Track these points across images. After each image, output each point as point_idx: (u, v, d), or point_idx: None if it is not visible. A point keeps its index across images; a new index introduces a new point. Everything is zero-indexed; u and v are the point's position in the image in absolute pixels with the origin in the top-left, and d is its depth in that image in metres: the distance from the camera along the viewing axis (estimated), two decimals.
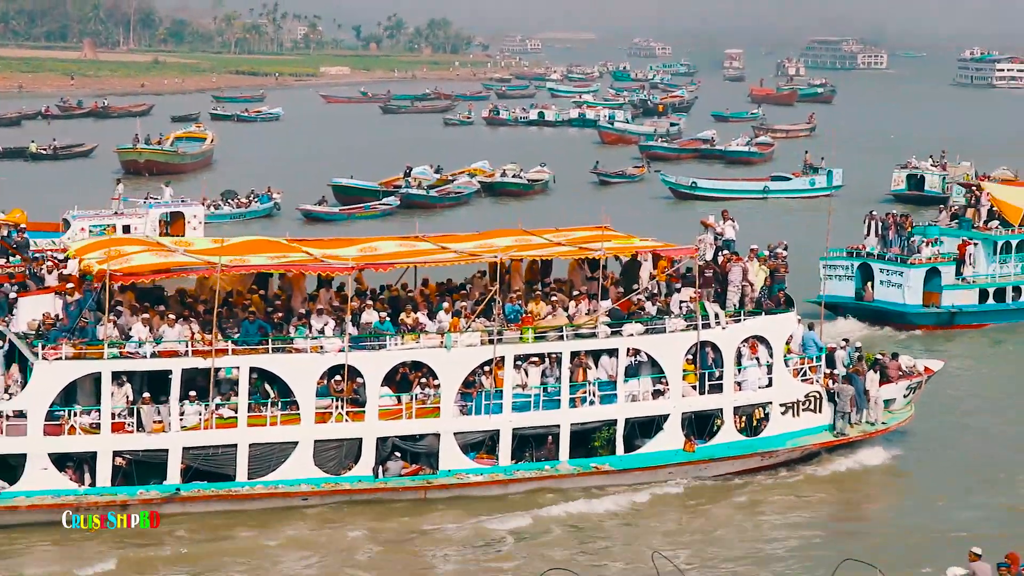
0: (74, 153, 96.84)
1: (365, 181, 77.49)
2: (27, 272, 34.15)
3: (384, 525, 29.20)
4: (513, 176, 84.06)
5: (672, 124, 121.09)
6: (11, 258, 38.60)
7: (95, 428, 28.18)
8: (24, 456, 27.73)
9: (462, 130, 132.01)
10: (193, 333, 29.13)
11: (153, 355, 28.65)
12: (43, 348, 27.94)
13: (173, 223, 46.38)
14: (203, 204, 68.08)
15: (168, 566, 27.10)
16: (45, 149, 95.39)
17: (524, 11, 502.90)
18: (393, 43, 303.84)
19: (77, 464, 28.24)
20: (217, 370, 28.82)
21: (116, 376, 28.30)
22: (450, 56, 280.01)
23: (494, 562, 27.82)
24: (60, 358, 28.01)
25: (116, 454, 28.30)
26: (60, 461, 28.09)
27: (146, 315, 29.37)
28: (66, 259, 31.79)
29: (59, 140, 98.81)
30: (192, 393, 28.72)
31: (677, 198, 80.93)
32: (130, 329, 29.04)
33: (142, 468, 28.55)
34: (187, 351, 28.76)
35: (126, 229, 42.63)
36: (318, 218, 70.07)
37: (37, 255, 33.30)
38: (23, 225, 41.35)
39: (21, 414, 27.73)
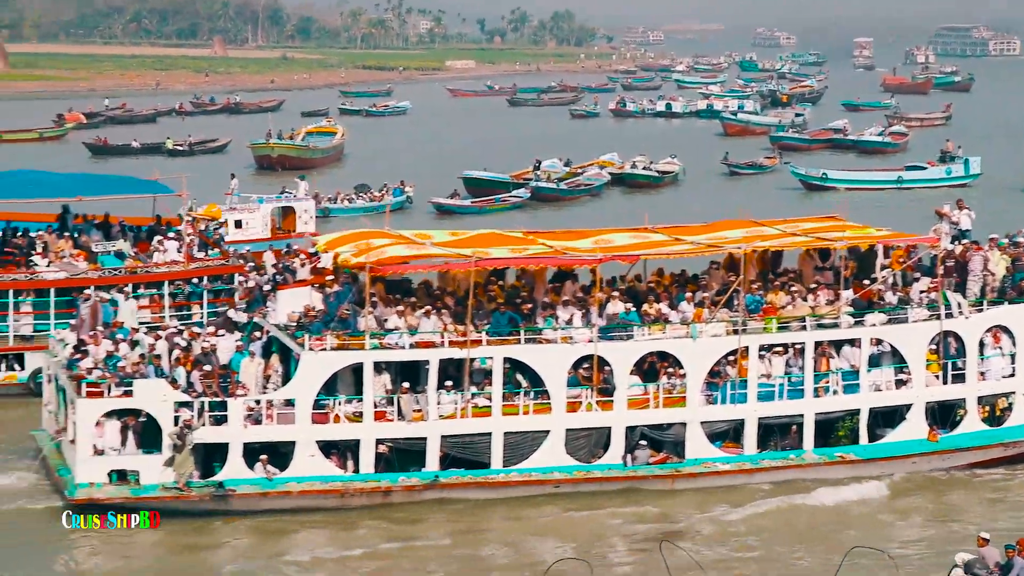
0: (208, 148, 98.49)
1: (496, 173, 77.65)
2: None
3: (632, 512, 29.59)
4: (643, 168, 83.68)
5: (797, 115, 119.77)
6: (210, 251, 39.29)
7: (358, 417, 29.03)
8: (293, 444, 28.65)
9: (588, 122, 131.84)
10: (446, 324, 29.76)
11: (411, 346, 29.34)
12: (309, 339, 28.77)
13: (284, 218, 46.73)
14: (337, 198, 69.16)
15: (430, 550, 27.65)
16: (181, 145, 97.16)
17: (647, 3, 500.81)
18: (517, 36, 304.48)
19: (341, 451, 29.06)
20: (472, 360, 29.39)
21: (375, 366, 29.05)
22: (574, 49, 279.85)
23: (742, 552, 27.83)
24: (325, 349, 28.82)
25: (378, 442, 29.10)
26: (326, 448, 28.93)
27: (400, 307, 30.00)
28: (316, 253, 32.57)
29: (194, 136, 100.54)
30: (448, 383, 29.37)
31: (807, 189, 79.92)
32: (385, 320, 29.76)
33: (402, 456, 29.34)
34: (443, 342, 29.39)
35: (238, 224, 43.14)
36: (450, 211, 70.40)
37: (288, 249, 34.10)
38: (220, 220, 41.89)
39: (289, 403, 28.61)
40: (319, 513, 28.66)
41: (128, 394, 28.01)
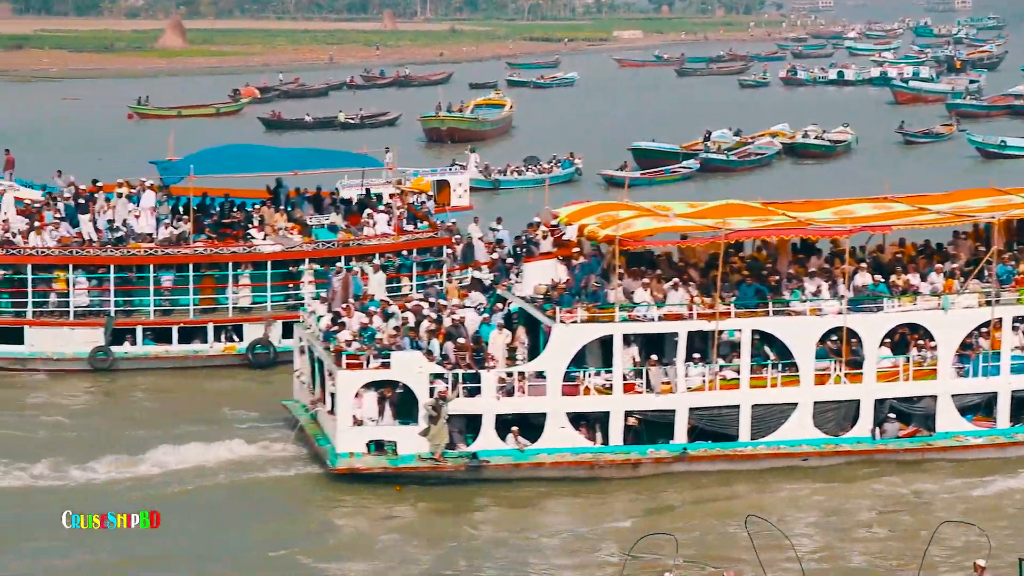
0: (379, 122, 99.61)
1: (665, 144, 77.14)
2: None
3: (880, 486, 29.51)
4: (815, 137, 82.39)
5: (972, 81, 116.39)
6: (419, 224, 39.88)
7: (607, 389, 29.39)
8: (544, 415, 29.15)
9: (758, 92, 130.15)
10: (692, 297, 29.95)
11: (660, 318, 29.61)
12: (560, 311, 29.24)
13: (439, 191, 47.16)
14: (507, 171, 69.44)
15: (678, 520, 27.65)
16: (352, 118, 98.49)
17: None
18: (685, 5, 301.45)
19: (590, 423, 29.49)
20: (720, 332, 29.55)
21: (624, 338, 29.40)
22: (743, 17, 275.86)
23: (998, 530, 27.14)
24: (576, 321, 29.24)
25: (627, 414, 29.45)
26: (575, 420, 29.37)
27: (646, 280, 30.27)
28: (558, 225, 32.91)
29: (365, 109, 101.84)
30: (696, 355, 29.61)
31: (985, 157, 77.84)
32: (632, 293, 30.05)
33: (650, 428, 29.66)
34: (692, 314, 29.58)
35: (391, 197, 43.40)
36: (619, 183, 70.07)
37: (532, 221, 34.66)
38: (429, 193, 42.45)
39: (540, 375, 29.13)
40: (568, 484, 29.03)
41: (386, 366, 28.64)
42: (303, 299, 37.26)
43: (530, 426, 29.15)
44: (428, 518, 27.88)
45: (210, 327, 37.16)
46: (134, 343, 36.76)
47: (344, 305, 31.24)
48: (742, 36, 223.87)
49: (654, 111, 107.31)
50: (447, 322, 29.71)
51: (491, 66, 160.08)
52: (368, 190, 41.95)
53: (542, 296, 30.24)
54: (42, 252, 36.47)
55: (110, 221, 37.88)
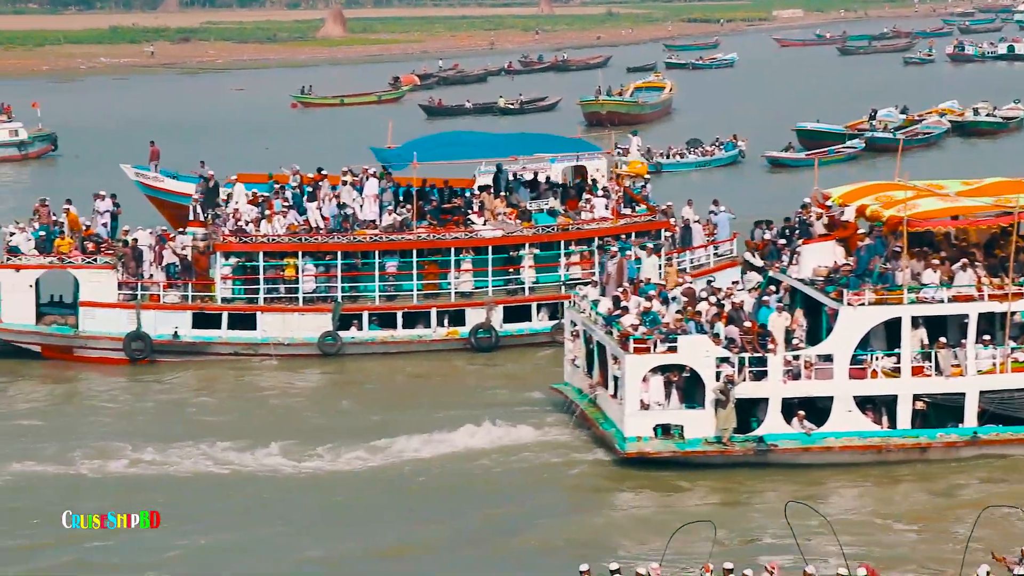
0: (539, 107, 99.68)
1: (830, 124, 75.78)
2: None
3: None
4: (986, 114, 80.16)
5: None
6: (636, 208, 39.88)
7: (895, 372, 29.26)
8: (831, 399, 29.14)
9: (924, 69, 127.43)
10: (980, 277, 29.69)
11: (949, 300, 29.37)
12: (847, 294, 29.18)
13: (577, 176, 46.73)
14: (669, 153, 68.91)
15: (968, 506, 27.02)
16: (512, 104, 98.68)
17: None
18: None
19: (876, 407, 29.41)
20: (1013, 314, 29.29)
21: (912, 320, 29.20)
22: None
23: None
24: (864, 304, 29.17)
25: (915, 397, 29.26)
26: (861, 404, 29.29)
27: (935, 260, 30.05)
28: (831, 206, 32.73)
29: (524, 94, 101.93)
30: (986, 337, 29.30)
31: None
32: (919, 274, 29.91)
33: (938, 412, 29.43)
34: (982, 295, 29.29)
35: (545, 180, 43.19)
36: (784, 164, 69.17)
37: (804, 202, 34.38)
38: (646, 176, 42.43)
39: (827, 358, 29.10)
40: (854, 468, 28.89)
41: (672, 350, 28.76)
42: (523, 284, 37.92)
43: (814, 410, 29.02)
44: (713, 501, 27.88)
45: (433, 312, 37.65)
46: (360, 328, 37.33)
47: (622, 289, 31.35)
48: (906, 12, 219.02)
49: (816, 91, 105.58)
50: (727, 305, 29.73)
51: (649, 49, 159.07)
52: (585, 174, 41.93)
53: (823, 278, 30.09)
54: (272, 240, 37.24)
55: (343, 205, 38.42)
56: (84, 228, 37.94)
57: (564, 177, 42.17)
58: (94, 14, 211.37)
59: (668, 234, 38.85)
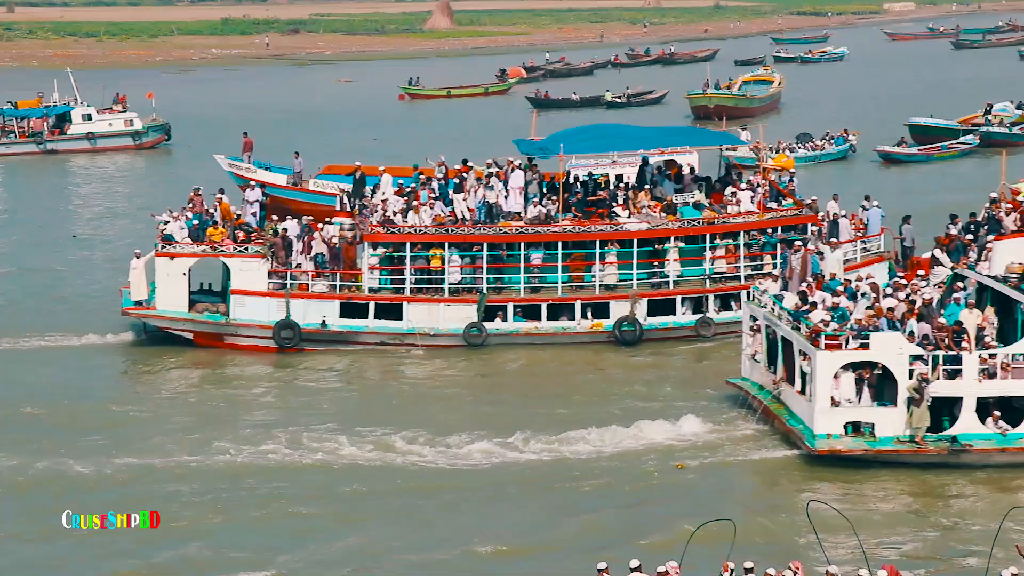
0: (646, 100, 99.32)
1: (943, 120, 74.60)
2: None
3: None
4: None
5: None
6: (783, 201, 39.62)
7: None
8: None
9: None
10: None
11: None
12: None
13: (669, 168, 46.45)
14: (778, 148, 68.22)
15: None
16: (619, 97, 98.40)
17: None
18: None
19: None
20: None
21: None
22: None
23: None
24: None
25: None
26: None
27: None
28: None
29: (631, 88, 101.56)
30: None
31: None
32: None
33: None
34: None
35: (619, 178, 43.02)
36: (896, 159, 68.23)
37: (992, 198, 34.06)
38: (792, 170, 42.27)
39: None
40: None
41: (865, 347, 28.51)
42: (667, 277, 37.86)
43: (1009, 409, 28.52)
44: (903, 501, 27.57)
45: (577, 304, 37.64)
46: (505, 320, 37.47)
47: (807, 283, 31.19)
48: (1021, 5, 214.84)
49: (929, 85, 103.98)
50: (918, 302, 29.43)
51: (757, 42, 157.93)
52: (730, 167, 41.66)
53: (1016, 275, 29.58)
54: (419, 231, 37.52)
55: (491, 201, 38.61)
56: (235, 217, 38.51)
57: (656, 170, 41.97)
58: (206, 6, 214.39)
59: (815, 228, 38.42)
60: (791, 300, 30.65)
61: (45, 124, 74.86)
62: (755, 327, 31.83)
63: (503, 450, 29.50)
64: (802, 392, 29.26)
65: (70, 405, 32.59)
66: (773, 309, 30.88)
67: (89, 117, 75.47)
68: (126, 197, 63.41)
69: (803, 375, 29.23)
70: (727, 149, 44.00)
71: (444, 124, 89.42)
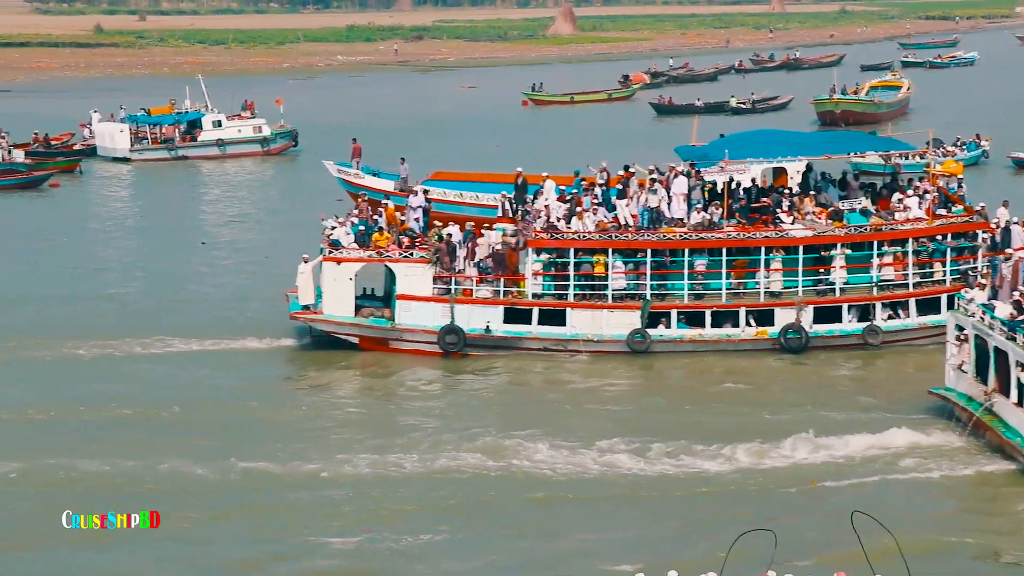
0: (771, 106, 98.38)
1: None
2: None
3: None
4: None
5: None
6: (953, 208, 39.04)
7: None
8: None
9: None
10: None
11: None
12: None
13: (776, 178, 46.02)
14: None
15: None
16: (744, 103, 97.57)
17: None
18: None
19: None
20: None
21: None
22: None
23: None
24: None
25: None
26: None
27: None
28: None
29: (756, 93, 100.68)
30: None
31: None
32: None
33: None
34: None
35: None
36: None
37: None
38: (960, 176, 41.95)
39: None
40: None
41: None
42: (833, 285, 37.42)
43: None
44: None
45: (742, 311, 37.40)
46: (668, 326, 37.34)
47: (1020, 292, 30.41)
48: None
49: None
50: None
51: (883, 47, 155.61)
52: (896, 174, 41.21)
53: None
54: (583, 236, 37.53)
55: (654, 208, 38.47)
56: (400, 223, 38.85)
57: (764, 180, 41.45)
58: (331, 13, 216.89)
59: (986, 235, 37.71)
60: (1004, 309, 29.85)
61: (177, 131, 76.26)
62: (962, 337, 31.14)
63: (675, 458, 29.22)
64: (1019, 404, 28.55)
65: (239, 407, 32.98)
66: (983, 318, 30.16)
67: (219, 124, 76.68)
68: (253, 203, 64.29)
69: (1020, 386, 28.49)
70: (856, 156, 43.17)
71: (567, 130, 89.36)
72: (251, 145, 77.10)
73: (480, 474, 28.62)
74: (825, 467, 28.68)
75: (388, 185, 53.62)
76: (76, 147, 75.88)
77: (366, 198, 40.96)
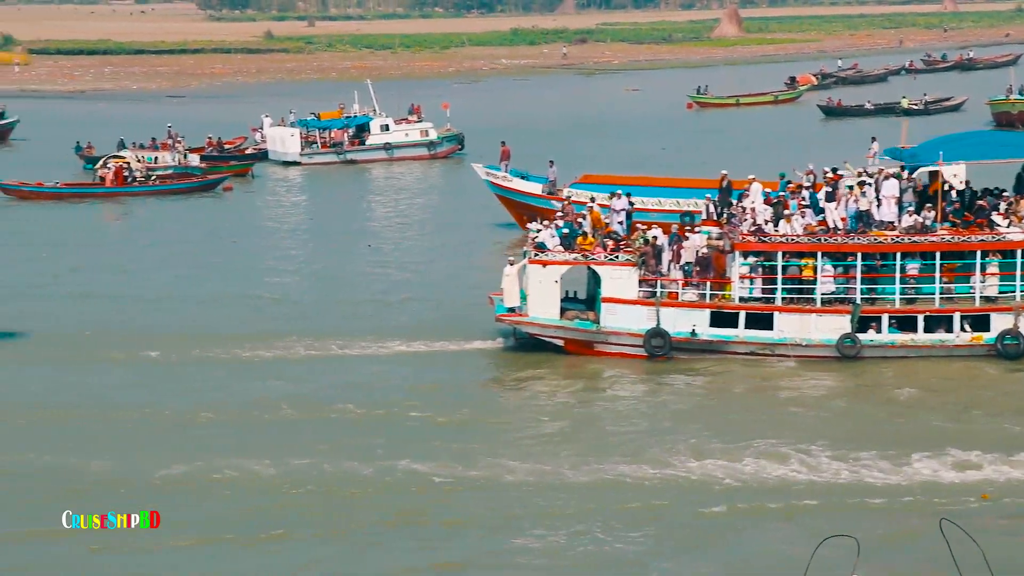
0: (944, 107, 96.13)
1: None
2: None
3: None
4: None
5: None
6: None
7: None
8: None
9: None
10: None
11: None
12: None
13: (931, 182, 44.60)
14: None
15: None
16: (916, 104, 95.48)
17: None
18: None
19: None
20: None
21: None
22: None
23: None
24: None
25: None
26: None
27: None
28: None
29: (928, 94, 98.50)
30: None
31: None
32: None
33: None
34: None
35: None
36: None
37: None
38: None
39: None
40: None
41: None
42: None
43: None
44: None
45: (956, 316, 36.57)
46: (879, 331, 36.67)
47: None
48: None
49: None
50: None
51: None
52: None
53: None
54: (791, 240, 37.09)
55: (863, 211, 37.88)
56: (604, 226, 38.81)
57: (919, 183, 40.35)
58: (495, 17, 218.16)
59: None
60: None
61: (345, 135, 77.36)
62: None
63: (891, 465, 28.60)
64: None
65: (448, 408, 33.08)
66: None
67: (387, 128, 77.59)
68: (421, 206, 64.81)
69: None
70: None
71: (733, 133, 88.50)
72: (418, 149, 77.82)
73: (684, 480, 28.22)
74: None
75: (536, 188, 53.69)
76: (248, 151, 77.44)
77: (571, 200, 40.82)
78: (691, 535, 26.01)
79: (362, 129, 77.66)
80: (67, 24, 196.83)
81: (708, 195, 42.05)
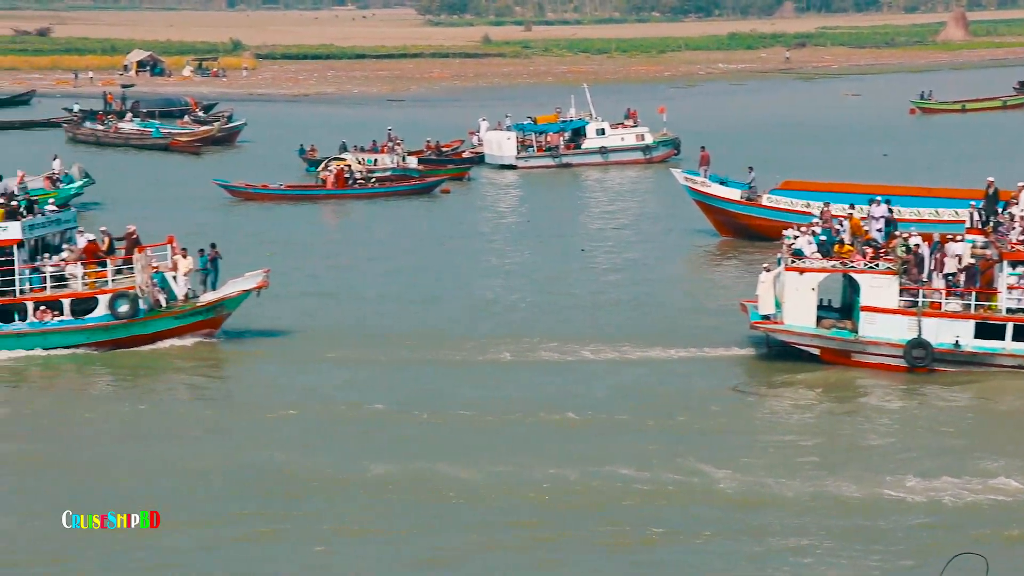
0: None
1: None
2: None
3: None
4: None
5: None
6: None
7: None
8: None
9: None
10: None
11: None
12: None
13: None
14: None
15: None
16: None
17: None
18: None
19: None
20: None
21: None
22: None
23: None
24: None
25: None
26: None
27: None
28: None
29: None
30: None
31: None
32: None
33: None
34: None
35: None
36: None
37: None
38: None
39: None
40: None
41: None
42: None
43: None
44: None
45: None
46: None
47: None
48: None
49: None
50: None
51: None
52: None
53: None
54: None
55: None
56: (863, 233, 37.71)
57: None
58: (712, 21, 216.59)
59: None
60: None
61: (561, 139, 77.54)
62: None
63: None
64: None
65: (704, 414, 32.64)
66: None
67: (602, 132, 77.42)
68: (635, 211, 64.37)
69: None
70: None
71: (958, 140, 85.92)
72: (633, 153, 77.44)
73: (936, 501, 27.02)
74: None
75: (735, 194, 52.83)
76: (465, 154, 78.09)
77: (829, 206, 40.12)
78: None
79: (578, 133, 77.61)
80: (291, 29, 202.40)
81: (972, 203, 40.64)
